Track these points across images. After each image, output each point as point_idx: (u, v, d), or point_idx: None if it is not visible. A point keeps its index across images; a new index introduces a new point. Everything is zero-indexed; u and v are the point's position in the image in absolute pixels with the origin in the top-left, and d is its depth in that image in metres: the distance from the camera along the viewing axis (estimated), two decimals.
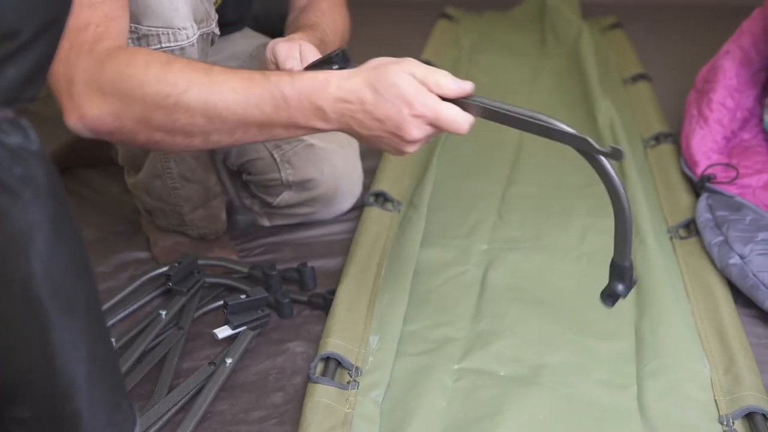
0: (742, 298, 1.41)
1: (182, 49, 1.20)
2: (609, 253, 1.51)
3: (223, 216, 1.56)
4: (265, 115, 1.04)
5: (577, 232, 1.60)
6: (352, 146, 1.64)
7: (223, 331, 1.31)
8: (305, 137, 1.54)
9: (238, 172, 1.63)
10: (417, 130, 1.04)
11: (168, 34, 1.18)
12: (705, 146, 1.74)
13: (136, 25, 1.21)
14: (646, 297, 1.39)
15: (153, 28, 1.20)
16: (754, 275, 1.38)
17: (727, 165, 1.70)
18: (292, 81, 1.04)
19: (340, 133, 1.53)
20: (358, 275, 1.42)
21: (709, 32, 2.56)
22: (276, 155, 1.56)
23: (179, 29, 1.18)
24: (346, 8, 1.55)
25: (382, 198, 1.68)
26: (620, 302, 1.39)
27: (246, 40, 1.64)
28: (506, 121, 1.09)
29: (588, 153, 1.10)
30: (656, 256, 1.46)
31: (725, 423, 1.14)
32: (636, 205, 1.61)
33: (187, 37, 1.19)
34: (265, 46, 1.60)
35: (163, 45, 1.21)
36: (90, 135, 1.04)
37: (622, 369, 1.26)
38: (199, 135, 1.06)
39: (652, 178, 1.80)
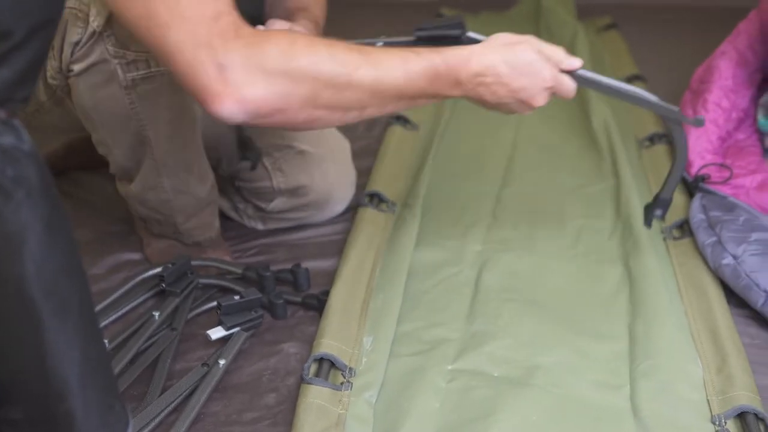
0: (735, 298, 1.41)
1: None
2: (603, 253, 1.54)
3: (217, 223, 1.56)
4: (418, 88, 1.16)
5: (572, 233, 1.60)
6: (344, 150, 1.64)
7: (216, 332, 1.31)
8: (296, 144, 1.56)
9: (230, 178, 1.64)
10: (543, 99, 1.23)
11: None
12: (700, 146, 1.75)
13: (124, 51, 1.22)
14: (639, 297, 1.39)
15: (141, 54, 1.22)
16: (747, 275, 1.38)
17: (722, 165, 1.71)
18: (442, 57, 1.16)
19: (332, 138, 1.57)
20: (352, 276, 1.42)
21: (703, 34, 2.56)
22: (267, 163, 1.57)
23: None
24: None
25: (377, 199, 1.67)
26: (614, 302, 1.41)
27: None
28: (604, 91, 1.32)
29: (674, 120, 1.37)
30: (650, 256, 1.46)
31: (717, 423, 1.14)
32: (631, 207, 1.62)
33: None
34: None
35: (152, 69, 1.23)
36: (245, 118, 1.04)
37: (616, 369, 1.26)
38: (357, 110, 1.14)
39: (646, 179, 1.80)
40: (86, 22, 1.21)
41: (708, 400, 1.19)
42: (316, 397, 1.16)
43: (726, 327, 1.31)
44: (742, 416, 1.15)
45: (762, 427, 1.13)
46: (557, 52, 1.23)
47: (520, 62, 1.19)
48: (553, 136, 1.99)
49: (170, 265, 1.40)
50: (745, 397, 1.16)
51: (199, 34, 0.98)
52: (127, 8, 1.00)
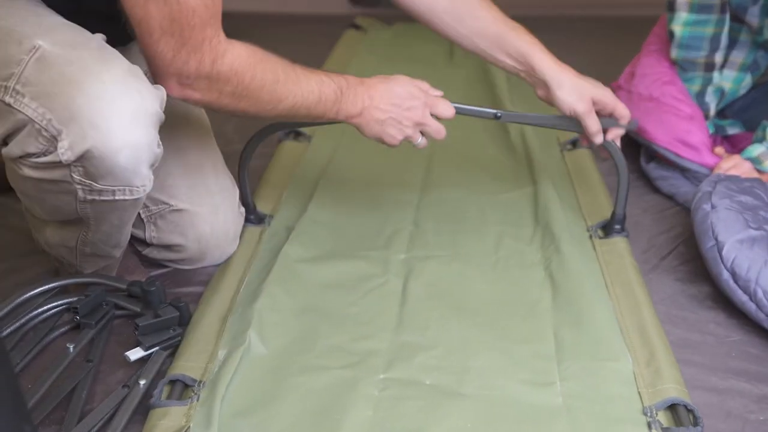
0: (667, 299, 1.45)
1: None
2: (524, 257, 1.54)
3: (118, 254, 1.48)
4: (324, 108, 1.35)
5: (492, 239, 1.61)
6: (229, 203, 1.56)
7: (135, 353, 1.28)
8: (174, 202, 1.49)
9: None
10: (421, 113, 1.43)
11: None
12: (700, 133, 1.79)
13: (91, 182, 1.18)
14: (564, 298, 1.40)
15: (109, 187, 1.20)
16: (711, 223, 1.43)
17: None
18: (345, 78, 1.39)
19: (218, 193, 1.53)
20: (219, 293, 1.42)
21: (607, 42, 2.63)
22: (142, 214, 1.50)
23: None
24: None
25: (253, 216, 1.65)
26: (537, 305, 1.42)
27: None
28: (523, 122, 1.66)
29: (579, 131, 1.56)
30: (574, 257, 1.48)
31: (649, 414, 1.15)
32: (549, 211, 1.63)
33: None
34: None
35: (117, 198, 1.21)
36: (186, 101, 1.27)
37: (545, 368, 1.26)
38: (270, 114, 1.33)
39: (570, 181, 1.82)
40: (52, 144, 1.14)
41: (639, 393, 1.19)
42: (161, 417, 1.15)
43: (652, 322, 1.33)
44: (672, 408, 1.17)
45: (692, 418, 1.15)
46: (425, 84, 1.47)
47: (398, 84, 1.44)
48: (470, 143, 1.99)
49: (84, 297, 1.36)
50: (674, 390, 1.18)
51: (177, 49, 1.19)
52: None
